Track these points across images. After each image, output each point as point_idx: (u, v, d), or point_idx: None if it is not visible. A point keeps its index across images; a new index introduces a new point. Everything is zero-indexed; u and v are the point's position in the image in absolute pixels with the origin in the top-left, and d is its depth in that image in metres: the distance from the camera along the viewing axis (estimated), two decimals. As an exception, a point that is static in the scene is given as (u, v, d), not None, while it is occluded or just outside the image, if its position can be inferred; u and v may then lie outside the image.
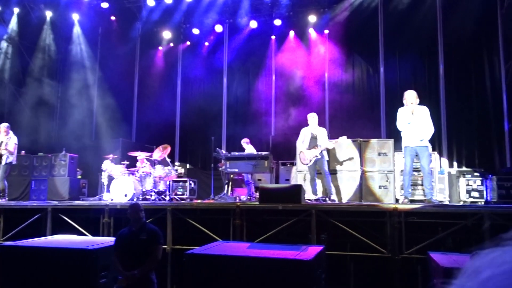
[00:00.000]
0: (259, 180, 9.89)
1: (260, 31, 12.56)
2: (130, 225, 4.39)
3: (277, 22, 12.34)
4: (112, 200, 7.77)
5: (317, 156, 7.50)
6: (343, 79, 11.96)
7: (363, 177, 8.40)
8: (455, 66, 11.09)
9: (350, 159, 8.50)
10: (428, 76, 11.32)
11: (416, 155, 6.47)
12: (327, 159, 7.80)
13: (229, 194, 8.97)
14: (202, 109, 12.78)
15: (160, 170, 8.44)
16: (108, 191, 8.28)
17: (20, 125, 11.02)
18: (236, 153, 8.53)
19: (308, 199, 7.17)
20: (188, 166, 11.70)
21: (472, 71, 10.93)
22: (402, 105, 6.64)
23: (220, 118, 12.88)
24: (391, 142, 8.44)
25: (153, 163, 8.62)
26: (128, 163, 8.81)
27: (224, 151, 8.94)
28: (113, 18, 13.04)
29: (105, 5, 12.46)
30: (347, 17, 11.75)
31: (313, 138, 7.66)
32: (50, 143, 11.97)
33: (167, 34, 13.38)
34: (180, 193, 9.94)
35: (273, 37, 12.65)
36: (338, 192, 8.45)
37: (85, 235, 6.41)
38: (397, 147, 8.49)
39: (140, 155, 8.58)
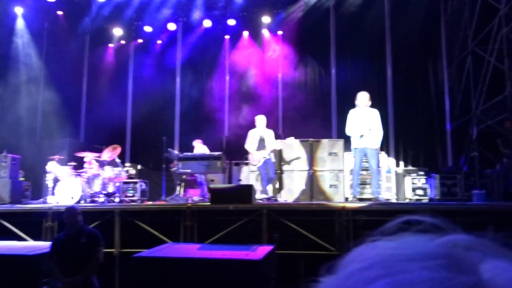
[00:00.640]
0: (212, 180, 9.83)
1: (214, 31, 12.51)
2: (66, 229, 4.23)
3: (231, 22, 12.33)
4: (57, 203, 7.45)
5: (265, 157, 7.59)
6: (296, 80, 12.15)
7: (314, 177, 8.57)
8: (402, 69, 11.58)
9: (300, 158, 8.65)
10: (377, 78, 11.74)
11: (365, 155, 6.69)
12: (274, 160, 7.90)
13: (181, 195, 8.78)
14: (154, 108, 12.54)
15: (109, 171, 8.19)
16: (53, 193, 7.93)
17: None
18: (189, 153, 8.45)
19: (259, 199, 7.22)
20: (139, 167, 11.43)
21: (418, 74, 11.47)
22: (353, 106, 6.84)
23: (173, 118, 12.70)
24: (341, 142, 8.66)
25: (102, 164, 8.35)
26: (75, 164, 8.48)
27: (176, 152, 8.82)
28: (60, 12, 12.50)
29: (51, -2, 11.93)
30: (300, 19, 11.94)
31: (261, 140, 7.76)
32: (-10, 143, 11.29)
33: (118, 31, 13.00)
34: (131, 194, 9.70)
35: (227, 37, 12.63)
36: (289, 192, 8.57)
37: (25, 240, 6.11)
38: (347, 147, 8.74)
39: (88, 155, 8.29)
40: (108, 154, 8.40)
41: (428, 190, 9.33)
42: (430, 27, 11.35)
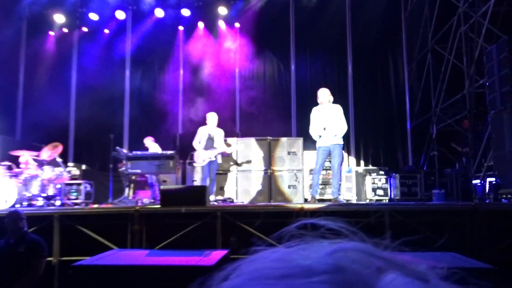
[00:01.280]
0: (164, 181, 9.69)
1: (167, 21, 12.25)
2: (7, 236, 3.99)
3: (185, 12, 12.13)
4: (-12, 207, 7.02)
5: (211, 158, 7.58)
6: (254, 75, 12.16)
7: (272, 177, 8.60)
8: (363, 66, 11.87)
9: (252, 160, 8.70)
10: (338, 74, 11.97)
11: (329, 154, 6.77)
12: (220, 162, 7.89)
13: (130, 198, 8.67)
14: (101, 103, 12.12)
15: (49, 172, 7.82)
16: (-17, 196, 7.47)
17: None
18: (138, 152, 8.27)
19: (214, 201, 7.16)
20: (83, 167, 11.04)
21: (378, 71, 11.79)
22: (314, 103, 6.90)
23: (122, 113, 12.36)
24: (300, 140, 8.75)
25: (41, 164, 7.97)
26: (10, 164, 8.04)
27: (125, 150, 8.60)
28: (-8, -5, 11.81)
29: (-18, -21, 11.25)
30: (258, 11, 11.96)
31: (209, 139, 7.78)
32: None
33: (59, 18, 12.43)
34: (74, 197, 9.32)
35: (181, 28, 12.42)
36: (246, 193, 8.56)
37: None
38: (307, 145, 8.84)
39: (24, 154, 7.88)
40: (47, 153, 8.03)
41: (388, 190, 9.60)
42: (390, 24, 11.71)
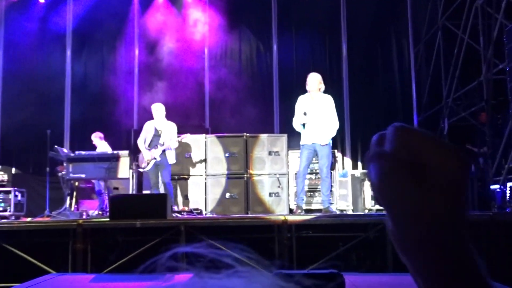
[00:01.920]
0: (116, 188, 9.62)
1: (119, -12, 12.14)
2: None
3: (142, -23, 12.05)
4: None
5: (155, 158, 7.58)
6: (227, 57, 12.13)
7: (250, 182, 8.63)
8: (360, 47, 11.99)
9: (231, 159, 8.73)
10: (330, 58, 12.05)
11: (316, 155, 6.80)
12: (173, 162, 7.88)
13: (72, 209, 8.67)
14: (35, 91, 11.87)
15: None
16: None
17: None
18: (83, 152, 8.25)
19: (177, 212, 7.14)
20: (13, 170, 10.89)
21: (378, 53, 11.92)
22: (300, 91, 6.94)
23: (62, 104, 12.13)
24: (284, 138, 8.80)
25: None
26: None
27: (66, 150, 8.56)
28: None
29: None
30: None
31: (156, 136, 7.84)
32: None
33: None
34: (1, 208, 9.21)
35: (136, -3, 12.32)
36: (217, 202, 8.57)
37: None
38: (292, 144, 8.87)
39: None
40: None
41: (391, 198, 9.71)
42: (393, -3, 11.91)
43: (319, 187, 8.67)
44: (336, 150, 9.88)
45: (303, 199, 6.95)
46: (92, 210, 8.59)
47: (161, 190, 7.70)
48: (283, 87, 11.80)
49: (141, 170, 8.03)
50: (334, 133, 6.86)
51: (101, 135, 9.73)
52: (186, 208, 7.83)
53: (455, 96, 9.50)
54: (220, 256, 0.51)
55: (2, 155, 12.00)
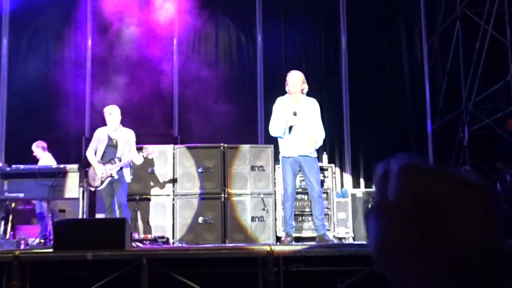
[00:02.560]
0: (62, 211, 9.51)
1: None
2: None
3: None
4: None
5: (112, 176, 7.50)
6: (201, 49, 12.08)
7: (228, 204, 8.63)
8: (363, 40, 12.05)
9: (205, 175, 8.71)
10: (326, 51, 12.09)
11: (300, 168, 6.77)
12: (129, 180, 7.81)
13: (7, 237, 8.57)
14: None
15: None
16: None
17: None
18: (22, 166, 8.21)
19: (138, 241, 7.07)
20: None
21: (385, 47, 12.00)
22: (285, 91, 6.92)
23: (-6, 106, 12.03)
24: (270, 149, 8.83)
25: None
26: None
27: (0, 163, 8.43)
28: None
29: None
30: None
31: (111, 147, 7.75)
32: None
33: None
34: None
35: (88, -24, 12.26)
36: (187, 228, 8.53)
37: None
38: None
39: None
40: None
41: (401, 223, 9.72)
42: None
43: (308, 209, 8.69)
44: (333, 165, 9.88)
45: (293, 226, 6.91)
46: (32, 238, 8.48)
47: (118, 213, 7.62)
48: (269, 87, 11.75)
49: (92, 189, 7.94)
50: (320, 143, 6.85)
51: (44, 144, 9.62)
52: (149, 236, 7.73)
53: (477, 99, 9.55)
54: None
55: None
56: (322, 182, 8.57)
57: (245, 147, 8.87)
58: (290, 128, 6.55)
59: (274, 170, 8.87)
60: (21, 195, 7.97)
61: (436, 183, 0.48)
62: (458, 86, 10.33)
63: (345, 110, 11.72)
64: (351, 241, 9.25)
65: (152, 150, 7.92)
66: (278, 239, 8.27)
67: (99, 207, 9.44)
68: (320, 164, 7.84)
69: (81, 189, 8.70)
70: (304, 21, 12.00)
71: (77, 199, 8.59)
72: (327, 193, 9.08)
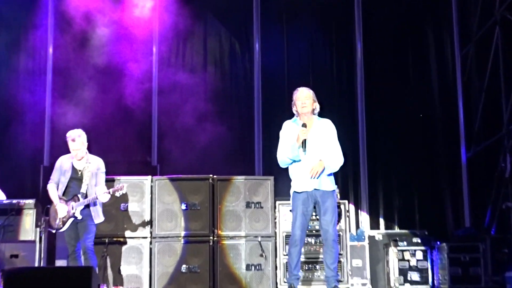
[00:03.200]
0: (15, 256, 9.39)
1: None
2: None
3: None
4: None
5: (75, 217, 7.45)
6: (186, 60, 12.05)
7: (218, 249, 8.63)
8: (382, 47, 12.10)
9: (191, 214, 8.73)
10: (337, 62, 12.10)
11: (315, 205, 6.68)
12: (100, 221, 7.75)
13: None
14: None
15: None
16: None
17: None
18: None
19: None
20: None
21: (409, 57, 12.02)
22: (292, 110, 6.87)
23: None
24: (269, 182, 8.81)
25: None
26: None
27: None
28: None
29: None
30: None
31: (75, 180, 7.69)
32: None
33: None
34: None
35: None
36: (170, 279, 8.45)
37: None
38: (282, 191, 8.78)
39: None
40: None
41: (430, 272, 9.65)
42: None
43: (321, 256, 8.59)
44: (346, 201, 9.82)
45: (298, 277, 6.81)
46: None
47: (83, 261, 7.55)
48: (269, 105, 11.78)
49: (53, 230, 7.86)
50: (333, 168, 6.65)
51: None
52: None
53: (522, 121, 9.54)
54: None
55: None
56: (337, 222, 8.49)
57: (239, 179, 8.86)
58: (304, 144, 6.43)
59: (275, 207, 8.84)
60: (-39, 237, 7.91)
61: None
62: (498, 104, 10.29)
63: (360, 134, 11.73)
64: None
65: (120, 186, 7.62)
66: (279, 292, 8.22)
67: (60, 252, 9.36)
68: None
69: (38, 230, 8.63)
70: (311, 25, 12.06)
71: (33, 242, 8.51)
72: (339, 235, 8.97)
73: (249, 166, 11.44)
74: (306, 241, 8.53)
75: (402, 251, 9.74)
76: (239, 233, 8.64)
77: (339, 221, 9.19)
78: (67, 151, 8.00)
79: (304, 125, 6.41)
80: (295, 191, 6.62)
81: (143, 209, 8.81)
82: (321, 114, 6.75)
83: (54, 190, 7.69)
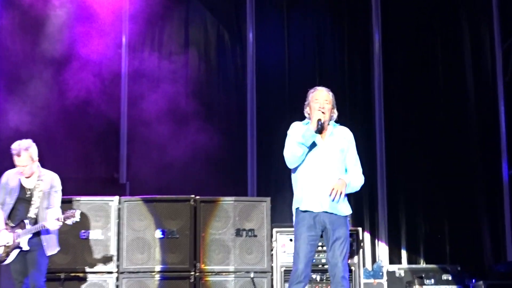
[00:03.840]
0: None
1: None
2: None
3: None
4: None
5: (20, 247, 7.42)
6: (164, 52, 12.03)
7: (200, 287, 8.62)
8: (405, 40, 12.11)
9: (168, 244, 8.72)
10: (350, 57, 12.13)
11: (323, 232, 6.64)
12: (54, 252, 7.69)
13: None
14: None
15: None
16: None
17: None
18: None
19: None
20: None
21: (438, 53, 12.02)
22: (294, 114, 6.86)
23: None
24: (265, 204, 8.79)
25: None
26: None
27: None
28: None
29: None
30: None
31: (22, 201, 7.62)
32: None
33: None
34: None
35: None
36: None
37: None
38: (280, 216, 8.80)
39: None
40: None
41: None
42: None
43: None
44: (360, 228, 9.83)
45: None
46: None
47: None
48: (265, 110, 11.80)
49: None
50: (354, 188, 6.63)
51: None
52: None
53: None
54: None
55: None
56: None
57: (227, 201, 8.80)
58: (321, 129, 6.32)
59: (271, 236, 8.80)
60: None
61: None
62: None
63: (378, 146, 11.75)
64: None
65: (71, 213, 7.32)
66: None
67: (3, 284, 9.37)
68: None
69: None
70: (318, 11, 12.09)
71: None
72: (351, 270, 8.99)
73: (240, 184, 11.42)
74: (310, 278, 8.51)
75: (429, 289, 9.76)
76: (227, 268, 8.60)
77: (351, 253, 9.19)
78: (10, 162, 7.88)
79: (318, 123, 6.28)
80: (298, 209, 6.47)
81: (108, 237, 8.76)
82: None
83: None
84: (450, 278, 9.88)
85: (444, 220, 11.52)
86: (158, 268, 8.65)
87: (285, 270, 8.84)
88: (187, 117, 11.58)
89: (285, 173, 6.81)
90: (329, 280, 7.30)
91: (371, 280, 9.61)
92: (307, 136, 6.11)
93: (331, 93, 6.54)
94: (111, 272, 8.73)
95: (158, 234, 8.70)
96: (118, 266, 8.71)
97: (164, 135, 11.41)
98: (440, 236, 11.47)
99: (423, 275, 9.93)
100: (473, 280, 9.67)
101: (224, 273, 8.60)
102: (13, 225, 7.48)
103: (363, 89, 11.99)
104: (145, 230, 8.74)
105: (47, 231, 7.43)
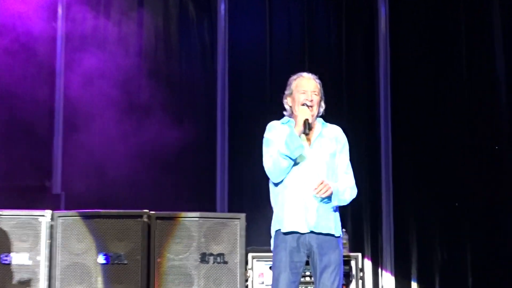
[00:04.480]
0: None
1: None
2: None
3: None
4: None
5: None
6: (111, 29, 12.03)
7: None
8: (418, 15, 12.09)
9: (111, 270, 8.65)
10: (349, 35, 12.12)
11: (309, 257, 6.58)
12: None
13: None
14: None
15: None
16: None
17: None
18: None
19: None
20: None
21: (462, 36, 11.97)
22: (277, 110, 6.75)
23: None
24: (239, 222, 8.66)
25: None
26: None
27: None
28: None
29: None
30: None
31: None
32: None
33: None
34: None
35: None
36: None
37: None
38: (259, 237, 8.70)
39: None
40: None
41: None
42: None
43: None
44: (359, 254, 9.74)
45: None
46: None
47: None
48: (239, 101, 11.77)
49: None
50: (343, 200, 6.59)
51: None
52: None
53: None
54: None
55: None
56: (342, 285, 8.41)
57: (190, 218, 8.70)
58: (308, 126, 6.26)
59: (246, 262, 8.73)
60: None
61: None
62: None
63: (383, 150, 11.74)
64: None
65: None
66: None
67: None
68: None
69: None
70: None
71: None
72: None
73: (207, 197, 11.40)
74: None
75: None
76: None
77: (346, 284, 9.15)
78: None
79: (306, 125, 6.24)
80: (279, 231, 6.45)
81: (38, 262, 8.64)
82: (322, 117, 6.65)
83: None
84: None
85: (466, 244, 11.47)
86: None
87: (264, 300, 8.79)
88: (140, 111, 11.53)
89: (264, 183, 6.67)
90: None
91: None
92: (292, 148, 6.08)
93: (318, 81, 6.49)
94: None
95: (101, 259, 8.56)
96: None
97: (109, 134, 11.33)
98: (461, 263, 11.43)
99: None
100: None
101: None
102: None
103: (365, 75, 11.96)
104: (85, 254, 8.62)
105: None
